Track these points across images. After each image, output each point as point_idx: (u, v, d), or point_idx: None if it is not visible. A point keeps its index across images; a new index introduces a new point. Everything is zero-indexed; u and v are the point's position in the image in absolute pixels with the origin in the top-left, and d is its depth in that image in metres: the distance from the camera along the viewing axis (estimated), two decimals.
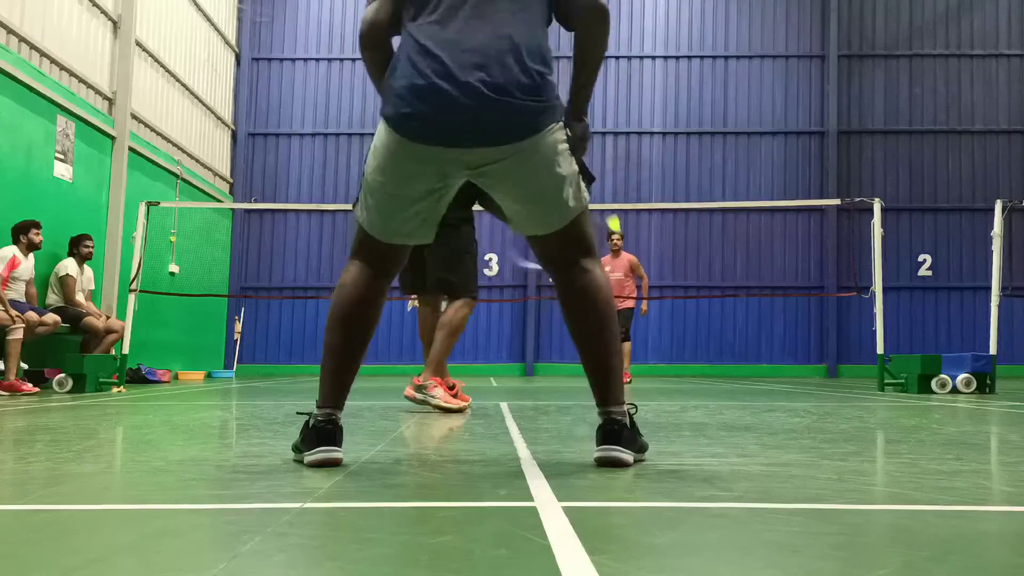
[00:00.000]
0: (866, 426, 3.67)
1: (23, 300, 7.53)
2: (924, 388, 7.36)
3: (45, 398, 5.98)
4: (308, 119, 15.74)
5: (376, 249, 2.31)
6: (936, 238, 15.57)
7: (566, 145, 2.22)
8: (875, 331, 8.12)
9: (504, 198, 2.25)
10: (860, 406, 5.21)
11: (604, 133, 15.68)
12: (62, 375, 7.04)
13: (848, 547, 1.34)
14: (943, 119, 15.78)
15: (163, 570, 1.18)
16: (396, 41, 2.35)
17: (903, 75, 15.90)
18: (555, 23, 2.31)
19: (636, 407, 2.38)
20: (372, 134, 17.16)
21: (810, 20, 16.04)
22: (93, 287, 9.04)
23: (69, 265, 8.40)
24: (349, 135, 15.67)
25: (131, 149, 10.75)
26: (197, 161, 13.49)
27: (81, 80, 9.77)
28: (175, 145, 12.50)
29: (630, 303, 9.99)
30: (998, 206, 8.13)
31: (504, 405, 5.19)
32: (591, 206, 2.35)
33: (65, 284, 8.30)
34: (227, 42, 14.87)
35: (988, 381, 7.39)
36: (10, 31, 8.33)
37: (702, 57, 15.95)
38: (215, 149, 14.54)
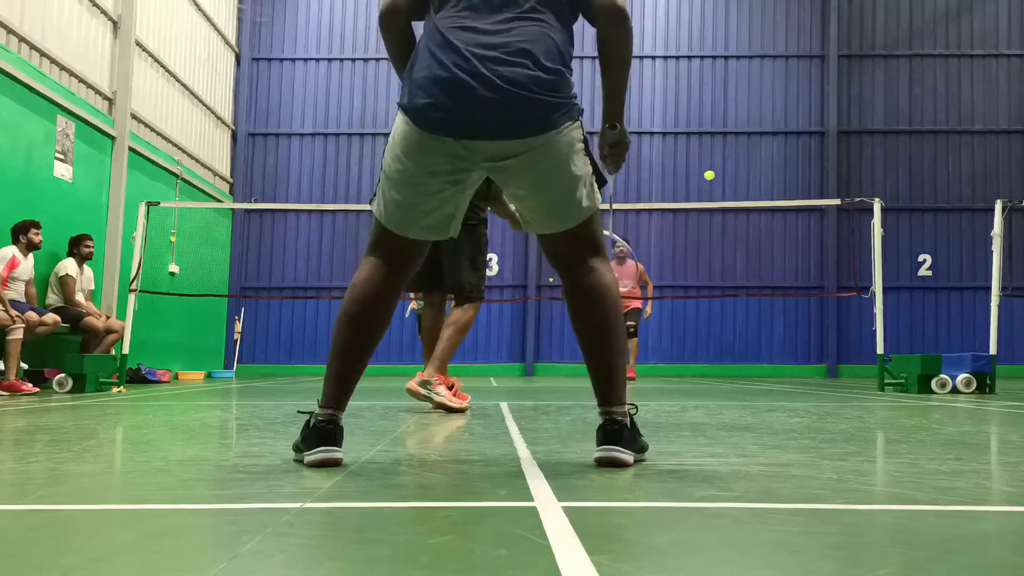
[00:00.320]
0: (866, 426, 3.67)
1: (23, 300, 7.53)
2: (924, 388, 7.36)
3: (45, 398, 5.98)
4: (308, 119, 15.74)
5: (393, 245, 2.30)
6: (936, 238, 15.57)
7: (582, 145, 2.23)
8: (875, 331, 8.12)
9: (519, 193, 2.27)
10: (860, 406, 5.21)
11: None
12: (62, 375, 7.04)
13: (848, 547, 1.34)
14: (943, 119, 15.78)
15: (163, 570, 1.18)
16: (418, 29, 2.37)
17: (903, 75, 15.90)
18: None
19: (637, 408, 2.38)
20: (372, 134, 17.20)
21: (810, 20, 16.04)
22: (93, 287, 9.04)
23: (69, 265, 8.40)
24: (349, 135, 15.68)
25: (131, 149, 10.75)
26: (197, 161, 13.49)
27: (81, 80, 9.77)
28: (175, 145, 12.50)
29: (637, 303, 10.11)
30: (998, 206, 8.13)
31: (504, 405, 5.19)
32: (604, 205, 2.37)
33: (65, 284, 8.30)
34: (227, 42, 14.87)
35: (988, 381, 7.39)
36: (10, 31, 8.33)
37: (702, 57, 15.95)
38: (215, 149, 14.54)
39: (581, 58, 15.86)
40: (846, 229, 15.28)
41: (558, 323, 15.14)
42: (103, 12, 10.29)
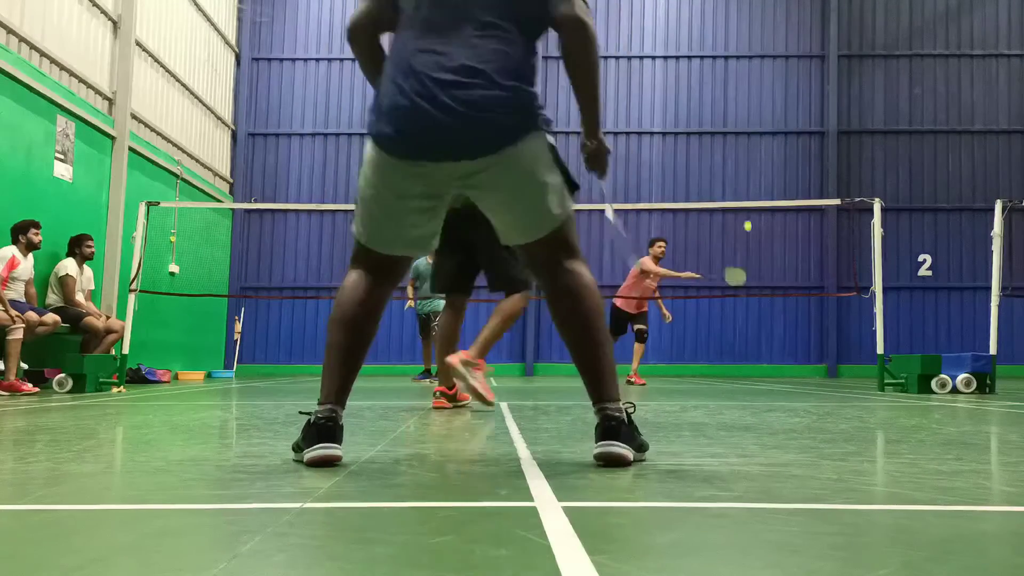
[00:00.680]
0: (866, 426, 3.67)
1: (23, 300, 7.53)
2: (924, 388, 7.36)
3: (45, 398, 5.98)
4: (308, 119, 15.74)
5: (374, 260, 2.36)
6: (936, 238, 15.58)
7: (549, 155, 2.25)
8: (875, 331, 8.12)
9: (491, 208, 2.31)
10: (860, 406, 5.21)
11: (604, 133, 15.62)
12: (62, 375, 7.04)
13: (848, 547, 1.34)
14: (943, 119, 15.78)
15: (163, 570, 1.18)
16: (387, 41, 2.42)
17: (903, 75, 15.90)
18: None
19: (634, 406, 2.38)
20: None
21: (810, 20, 16.04)
22: (93, 287, 9.04)
23: (69, 265, 8.40)
24: (349, 135, 15.68)
25: (131, 149, 10.75)
26: (197, 161, 13.49)
27: (81, 80, 9.77)
28: (175, 145, 12.50)
29: (644, 306, 9.88)
30: (998, 206, 8.13)
31: (504, 405, 5.19)
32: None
33: (65, 284, 8.30)
34: (227, 42, 14.87)
35: (988, 381, 7.39)
36: (10, 31, 8.33)
37: (702, 57, 15.96)
38: (215, 149, 14.54)
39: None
40: (846, 229, 15.29)
41: None
42: (103, 12, 10.29)
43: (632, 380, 9.64)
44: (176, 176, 12.30)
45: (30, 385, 6.66)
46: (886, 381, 7.82)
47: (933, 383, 7.35)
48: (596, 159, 2.50)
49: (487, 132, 2.16)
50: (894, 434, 3.31)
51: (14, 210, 7.94)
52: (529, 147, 2.21)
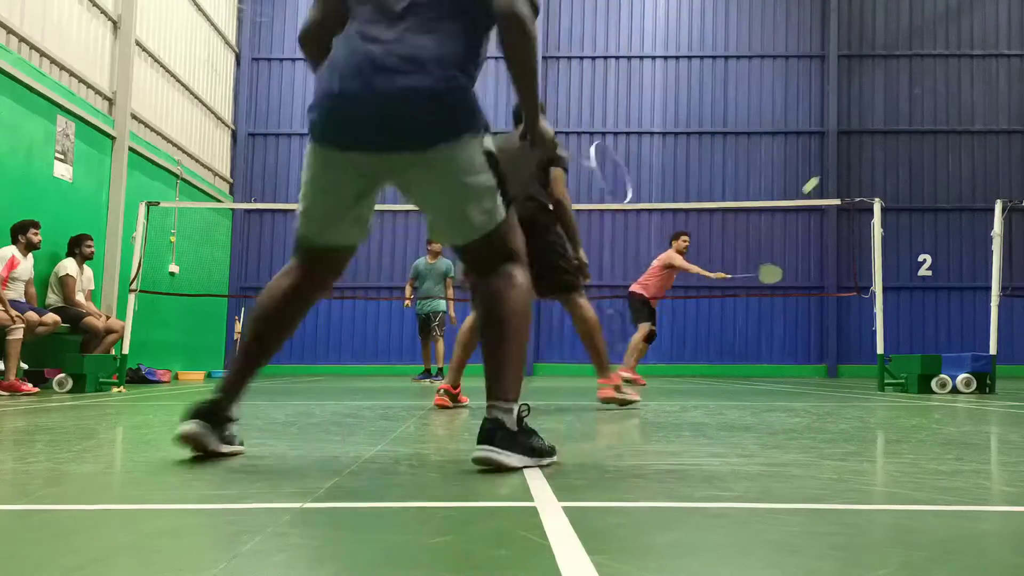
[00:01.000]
0: (866, 426, 3.67)
1: (23, 300, 7.53)
2: (924, 388, 7.36)
3: (45, 398, 5.98)
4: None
5: (310, 252, 2.38)
6: (936, 238, 15.58)
7: (483, 159, 2.19)
8: (875, 331, 8.12)
9: (418, 204, 2.30)
10: (860, 406, 5.21)
11: (604, 133, 15.68)
12: (62, 375, 7.04)
13: (848, 547, 1.34)
14: (943, 119, 15.78)
15: (163, 570, 1.18)
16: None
17: (903, 75, 15.90)
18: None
19: (528, 408, 2.27)
20: None
21: (810, 20, 16.04)
22: (93, 287, 9.04)
23: (69, 265, 8.39)
24: None
25: (131, 149, 10.75)
26: (197, 161, 13.49)
27: (81, 80, 9.77)
28: (175, 145, 12.50)
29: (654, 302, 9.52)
30: (998, 206, 8.13)
31: None
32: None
33: (65, 284, 8.30)
34: (227, 42, 14.87)
35: (988, 381, 7.39)
36: (10, 31, 8.33)
37: (702, 57, 15.96)
38: (215, 149, 14.54)
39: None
40: (846, 229, 15.28)
41: (558, 323, 15.14)
42: (103, 12, 10.29)
43: (629, 377, 9.38)
44: (176, 176, 12.30)
45: (30, 385, 6.66)
46: (886, 381, 7.82)
47: (933, 383, 7.35)
48: (542, 145, 2.42)
49: (414, 128, 2.12)
50: (894, 434, 3.31)
51: (14, 210, 7.94)
52: (456, 151, 2.15)
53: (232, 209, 14.84)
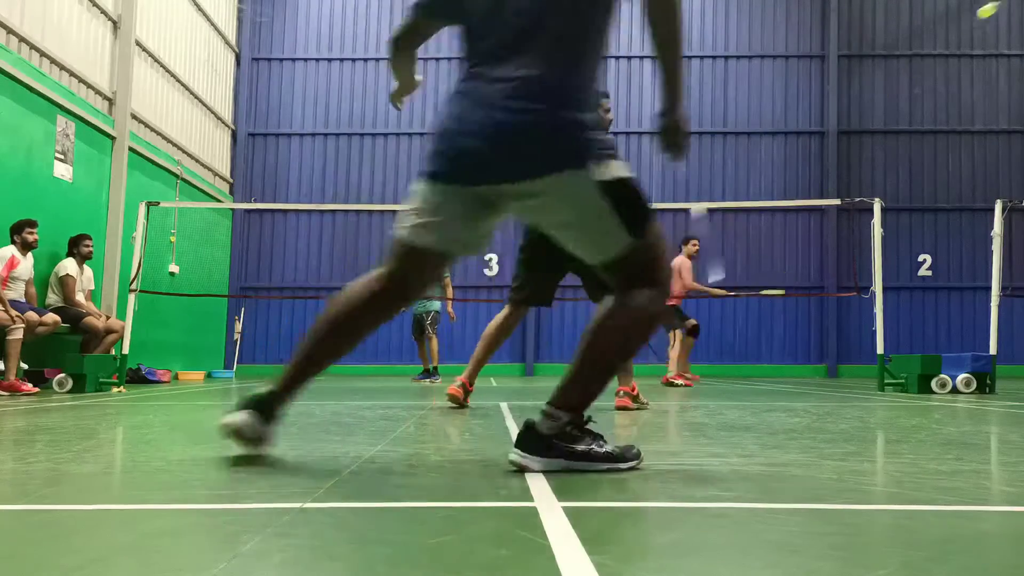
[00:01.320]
0: (866, 426, 3.67)
1: (23, 300, 7.53)
2: (924, 388, 7.36)
3: (45, 398, 5.98)
4: (308, 119, 15.74)
5: (413, 256, 2.29)
6: (936, 238, 15.57)
7: (593, 193, 2.13)
8: (875, 331, 8.12)
9: (544, 229, 2.28)
10: (860, 406, 5.21)
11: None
12: (62, 375, 7.04)
13: (848, 547, 1.34)
14: (943, 119, 15.78)
15: (163, 570, 1.18)
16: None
17: (903, 75, 15.90)
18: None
19: (587, 419, 2.29)
20: (372, 134, 17.17)
21: (810, 20, 16.04)
22: (93, 287, 9.04)
23: (69, 265, 8.40)
24: (349, 135, 15.68)
25: (131, 149, 10.75)
26: (197, 161, 13.49)
27: (81, 80, 9.77)
28: (175, 145, 12.50)
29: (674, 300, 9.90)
30: (998, 206, 8.13)
31: (504, 405, 5.19)
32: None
33: (65, 284, 8.30)
34: (227, 42, 14.87)
35: (988, 381, 7.39)
36: (10, 31, 8.33)
37: (702, 57, 15.96)
38: (215, 149, 14.54)
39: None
40: (846, 229, 15.28)
41: (558, 323, 15.14)
42: (103, 12, 10.29)
43: (675, 381, 9.62)
44: (176, 176, 12.30)
45: (30, 385, 6.66)
46: (886, 381, 7.82)
47: (933, 383, 7.35)
48: (671, 135, 2.33)
49: (534, 156, 2.10)
50: (894, 434, 3.31)
51: (14, 210, 7.94)
52: (573, 181, 2.11)
53: (232, 209, 14.84)
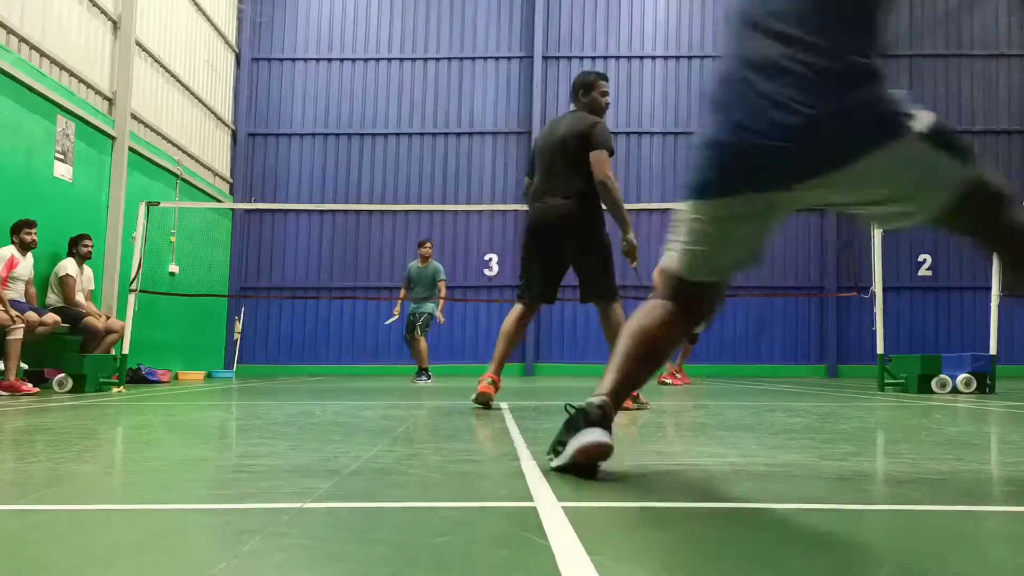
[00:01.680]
0: (866, 426, 3.67)
1: (23, 300, 7.53)
2: (924, 388, 7.36)
3: (45, 398, 5.98)
4: (308, 119, 15.74)
5: (692, 292, 2.21)
6: (936, 238, 15.56)
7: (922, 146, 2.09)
8: (875, 331, 8.12)
9: (850, 202, 2.26)
10: (860, 406, 5.21)
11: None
12: (62, 375, 7.04)
13: (848, 547, 1.34)
14: (943, 119, 15.76)
15: (163, 570, 1.18)
16: None
17: (903, 75, 15.89)
18: None
19: (575, 407, 2.22)
20: (372, 134, 17.19)
21: None
22: (93, 287, 9.04)
23: (69, 265, 8.40)
24: (349, 135, 15.67)
25: (131, 149, 10.75)
26: (197, 161, 13.49)
27: (81, 80, 9.77)
28: (175, 145, 12.50)
29: None
30: None
31: (504, 405, 5.19)
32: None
33: (65, 284, 8.30)
34: (227, 42, 14.87)
35: (988, 381, 7.38)
36: (10, 31, 8.33)
37: (702, 57, 15.95)
38: (215, 149, 14.54)
39: (576, 58, 15.84)
40: (846, 229, 15.27)
41: (558, 323, 15.14)
42: (103, 12, 10.30)
43: (666, 380, 9.67)
44: (176, 176, 12.30)
45: (30, 385, 6.66)
46: (886, 381, 7.82)
47: (933, 383, 7.35)
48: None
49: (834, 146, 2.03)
50: (894, 434, 3.31)
51: (14, 210, 7.94)
52: (894, 150, 2.05)
53: (232, 209, 14.84)
